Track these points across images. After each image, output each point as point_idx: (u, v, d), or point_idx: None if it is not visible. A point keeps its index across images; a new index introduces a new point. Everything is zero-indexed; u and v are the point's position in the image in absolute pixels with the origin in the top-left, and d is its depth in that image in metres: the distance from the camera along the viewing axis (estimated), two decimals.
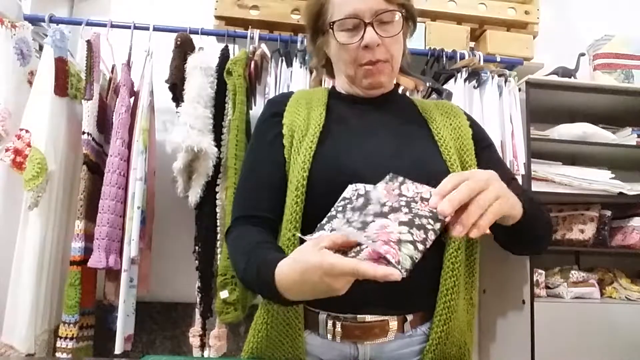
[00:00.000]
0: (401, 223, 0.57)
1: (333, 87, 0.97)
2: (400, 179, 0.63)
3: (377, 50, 0.82)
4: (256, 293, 0.75)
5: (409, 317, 0.77)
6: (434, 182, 0.63)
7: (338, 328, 0.76)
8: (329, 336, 0.77)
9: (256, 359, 0.81)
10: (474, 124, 0.92)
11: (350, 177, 0.71)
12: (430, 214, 0.58)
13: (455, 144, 0.86)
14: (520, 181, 1.73)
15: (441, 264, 0.78)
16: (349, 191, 0.67)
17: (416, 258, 0.54)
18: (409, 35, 0.93)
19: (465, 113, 0.95)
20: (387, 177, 0.64)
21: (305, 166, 0.78)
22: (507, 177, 0.78)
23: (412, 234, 0.55)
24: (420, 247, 0.55)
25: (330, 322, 0.76)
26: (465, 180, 0.58)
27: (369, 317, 0.75)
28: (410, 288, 0.71)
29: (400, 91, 1.72)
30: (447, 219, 0.58)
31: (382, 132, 0.86)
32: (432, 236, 0.57)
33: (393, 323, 0.76)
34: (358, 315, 0.75)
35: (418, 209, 0.59)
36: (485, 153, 0.89)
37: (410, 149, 0.83)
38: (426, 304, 0.78)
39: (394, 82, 0.97)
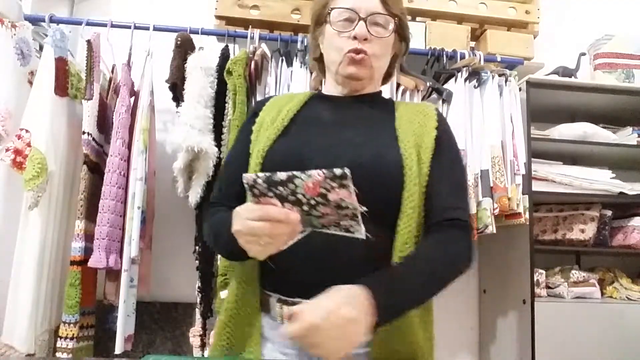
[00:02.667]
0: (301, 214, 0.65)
1: (320, 91, 1.03)
2: (346, 182, 0.59)
3: (364, 44, 0.88)
4: (219, 250, 0.89)
5: None
6: (384, 174, 0.72)
7: (286, 311, 0.78)
8: (279, 319, 0.81)
9: (224, 344, 0.85)
10: (443, 129, 0.91)
11: (307, 167, 0.70)
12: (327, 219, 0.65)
13: (415, 140, 0.86)
14: (520, 181, 1.73)
15: (389, 259, 0.79)
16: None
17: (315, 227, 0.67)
18: (400, 56, 1.00)
19: (440, 117, 0.93)
20: (336, 171, 0.59)
21: (260, 154, 0.84)
22: (448, 190, 0.85)
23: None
24: (319, 225, 0.66)
25: (278, 305, 0.80)
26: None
27: None
28: (359, 276, 0.71)
29: (399, 93, 1.72)
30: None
31: (350, 127, 0.89)
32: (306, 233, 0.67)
33: None
34: (304, 300, 0.73)
35: (316, 214, 0.64)
36: (440, 159, 0.86)
37: (371, 142, 0.86)
38: None
39: (378, 87, 1.00)
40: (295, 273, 0.79)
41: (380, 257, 0.79)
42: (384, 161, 0.82)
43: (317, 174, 0.59)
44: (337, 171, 0.58)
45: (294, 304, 0.77)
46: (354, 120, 0.91)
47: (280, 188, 0.62)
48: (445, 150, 0.89)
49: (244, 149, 0.91)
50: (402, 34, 0.96)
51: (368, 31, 0.87)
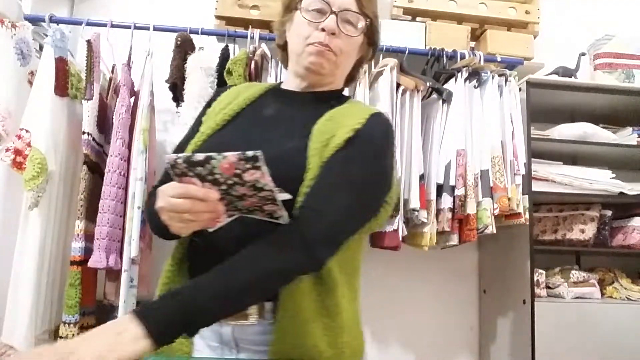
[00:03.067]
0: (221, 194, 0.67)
1: (280, 83, 0.99)
2: (258, 164, 0.62)
3: (331, 39, 0.85)
4: (154, 230, 0.86)
5: (267, 305, 0.78)
6: (290, 178, 0.73)
7: None
8: None
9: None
10: (363, 130, 0.80)
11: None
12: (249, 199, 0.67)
13: (327, 140, 0.79)
14: (520, 181, 1.73)
15: None
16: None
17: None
18: (365, 60, 0.97)
19: (372, 121, 0.83)
20: (248, 153, 0.61)
21: (192, 147, 0.85)
22: (316, 186, 0.75)
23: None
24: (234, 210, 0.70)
25: None
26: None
27: None
28: None
29: (399, 93, 1.72)
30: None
31: (281, 125, 0.87)
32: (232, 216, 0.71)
33: (252, 308, 0.77)
34: None
35: (235, 193, 0.67)
36: (337, 155, 0.78)
37: (282, 141, 0.81)
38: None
39: (339, 86, 0.95)
40: (208, 263, 0.71)
41: None
42: (288, 158, 0.77)
43: (231, 155, 0.62)
44: (249, 153, 0.61)
45: None
46: (288, 119, 0.88)
47: (199, 168, 0.64)
48: (350, 149, 0.78)
49: (191, 137, 0.89)
50: (371, 37, 0.93)
51: (338, 26, 0.85)
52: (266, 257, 0.71)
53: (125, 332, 0.60)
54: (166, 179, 0.79)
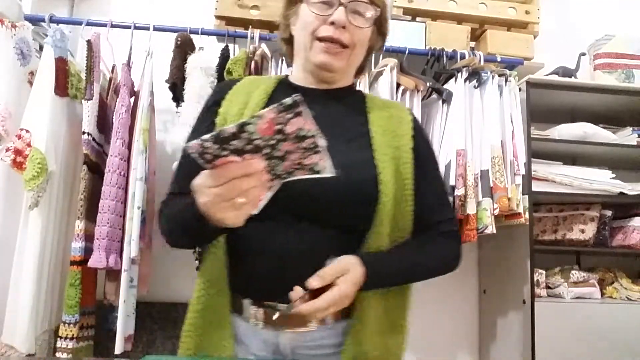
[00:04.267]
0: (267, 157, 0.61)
1: (286, 77, 0.95)
2: (299, 110, 0.56)
3: (342, 32, 0.81)
4: (184, 239, 0.81)
5: None
6: (359, 189, 0.73)
7: (260, 314, 0.78)
8: (252, 321, 0.79)
9: (191, 347, 0.85)
10: (418, 135, 0.89)
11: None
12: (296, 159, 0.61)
13: (392, 152, 0.83)
14: (520, 181, 1.73)
15: None
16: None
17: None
18: (374, 50, 0.95)
19: (415, 123, 0.91)
20: (287, 101, 0.55)
21: None
22: (435, 201, 0.89)
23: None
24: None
25: (253, 308, 0.79)
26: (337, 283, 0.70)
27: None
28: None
29: (399, 93, 1.72)
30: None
31: (321, 127, 0.85)
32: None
33: None
34: (279, 304, 0.76)
35: (277, 154, 0.60)
36: (423, 172, 0.86)
37: (342, 149, 0.79)
38: None
39: (350, 81, 0.95)
40: (265, 276, 0.78)
41: None
42: (357, 173, 0.78)
43: (267, 112, 0.55)
44: (288, 101, 0.54)
45: (267, 307, 0.77)
46: (324, 120, 0.83)
47: (234, 142, 0.56)
48: (425, 160, 0.87)
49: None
50: (380, 27, 0.90)
51: (347, 19, 0.81)
52: (445, 250, 0.89)
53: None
54: (185, 179, 0.76)
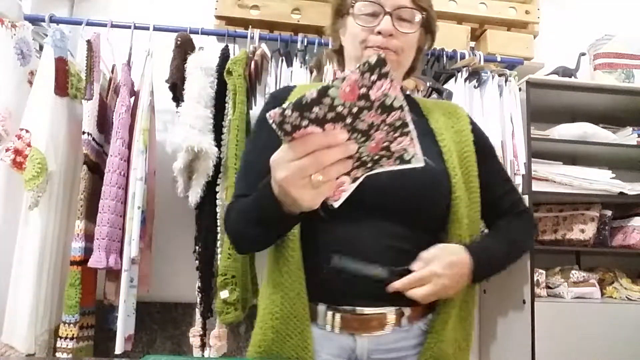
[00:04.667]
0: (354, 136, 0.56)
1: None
2: (385, 69, 0.51)
3: (389, 40, 0.83)
4: (259, 230, 0.75)
5: (407, 312, 0.78)
6: (433, 185, 0.72)
7: (337, 319, 0.77)
8: (328, 327, 0.78)
9: (263, 354, 0.82)
10: (475, 129, 0.92)
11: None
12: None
13: (456, 147, 0.87)
14: (520, 181, 1.73)
15: None
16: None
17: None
18: (424, 50, 0.95)
19: (470, 118, 0.95)
20: (372, 59, 0.50)
21: None
22: (504, 188, 0.93)
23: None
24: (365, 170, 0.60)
25: (329, 313, 0.78)
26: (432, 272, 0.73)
27: (367, 310, 0.77)
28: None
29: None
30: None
31: None
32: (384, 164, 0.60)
33: (391, 316, 0.77)
34: (357, 308, 0.77)
35: (361, 128, 0.55)
36: (487, 163, 0.90)
37: None
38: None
39: (400, 82, 0.96)
40: (343, 281, 0.77)
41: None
42: (429, 172, 0.76)
43: (351, 74, 0.50)
44: (373, 59, 0.50)
45: (344, 311, 0.77)
46: None
47: (315, 109, 0.52)
48: (486, 152, 0.92)
49: (271, 143, 0.69)
50: (428, 27, 0.91)
51: (394, 26, 0.82)
52: (525, 229, 0.94)
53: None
54: (252, 176, 0.75)
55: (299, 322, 0.79)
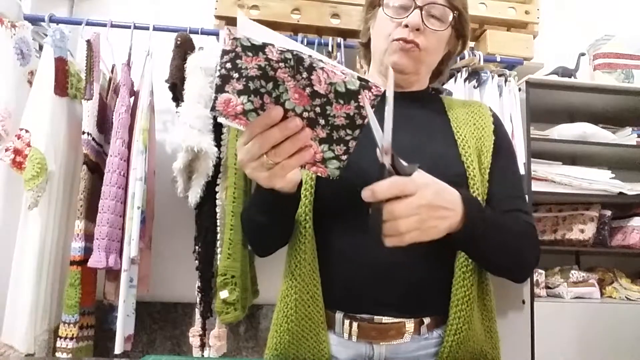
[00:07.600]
0: (321, 141, 0.58)
1: None
2: (307, 63, 0.51)
3: (416, 35, 0.81)
4: (263, 218, 0.78)
5: (426, 320, 0.78)
6: (448, 179, 0.66)
7: (355, 328, 0.77)
8: (345, 335, 0.78)
9: (280, 356, 0.82)
10: (498, 129, 0.89)
11: (360, 171, 0.64)
12: (348, 122, 0.56)
13: (475, 144, 0.84)
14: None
15: (453, 272, 0.79)
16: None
17: (343, 166, 0.61)
18: (454, 55, 0.93)
19: (495, 117, 0.91)
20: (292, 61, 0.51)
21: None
22: (511, 192, 0.85)
23: (333, 151, 0.59)
24: (344, 157, 0.60)
25: (347, 322, 0.77)
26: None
27: (385, 319, 0.76)
28: (425, 292, 0.76)
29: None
30: (365, 121, 0.56)
31: (402, 129, 0.76)
32: (352, 144, 0.59)
33: (409, 325, 0.76)
34: (375, 317, 0.76)
35: (334, 117, 0.56)
36: (500, 162, 0.86)
37: (428, 146, 0.81)
38: (441, 308, 0.79)
39: (425, 85, 0.94)
40: (360, 289, 0.77)
41: (445, 273, 0.79)
42: (444, 166, 0.77)
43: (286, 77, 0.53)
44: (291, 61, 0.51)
45: (362, 320, 0.77)
46: (405, 121, 0.81)
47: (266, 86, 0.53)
48: (503, 153, 0.87)
49: None
50: (460, 30, 0.88)
51: (422, 21, 0.80)
52: (527, 232, 0.83)
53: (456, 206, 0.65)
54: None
55: (314, 324, 0.79)
